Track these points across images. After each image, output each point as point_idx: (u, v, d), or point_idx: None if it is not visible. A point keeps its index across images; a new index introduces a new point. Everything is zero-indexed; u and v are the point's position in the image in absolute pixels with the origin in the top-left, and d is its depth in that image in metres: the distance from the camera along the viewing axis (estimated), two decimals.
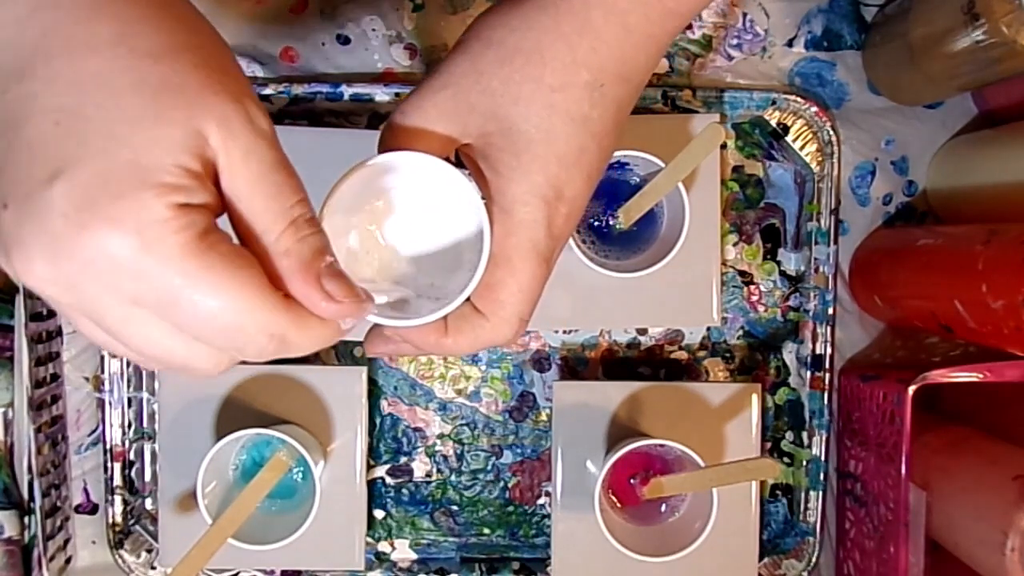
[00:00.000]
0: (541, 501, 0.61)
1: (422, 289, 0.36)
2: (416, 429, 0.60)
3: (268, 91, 0.56)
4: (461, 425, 0.61)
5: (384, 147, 0.34)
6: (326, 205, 0.33)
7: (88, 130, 0.24)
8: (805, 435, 0.60)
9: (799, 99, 0.57)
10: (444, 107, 0.33)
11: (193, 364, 0.28)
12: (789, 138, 0.59)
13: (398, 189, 0.36)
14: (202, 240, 0.25)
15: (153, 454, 0.60)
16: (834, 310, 0.59)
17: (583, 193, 0.34)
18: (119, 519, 0.59)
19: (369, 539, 0.60)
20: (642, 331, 0.61)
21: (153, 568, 0.60)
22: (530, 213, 0.33)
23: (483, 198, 0.34)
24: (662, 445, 0.53)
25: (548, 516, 0.60)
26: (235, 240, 0.27)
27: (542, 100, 0.33)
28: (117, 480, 0.59)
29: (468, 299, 0.34)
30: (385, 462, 0.61)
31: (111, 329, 0.27)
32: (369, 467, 0.59)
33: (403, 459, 0.61)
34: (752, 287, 0.60)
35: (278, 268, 0.27)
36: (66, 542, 0.59)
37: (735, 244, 0.60)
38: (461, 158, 0.36)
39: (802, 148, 0.59)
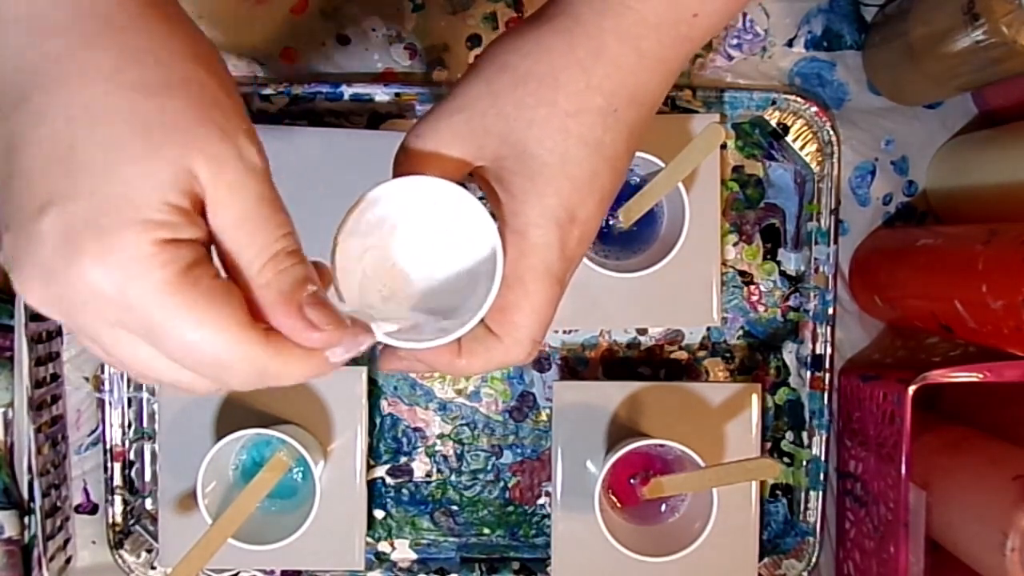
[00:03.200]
0: (541, 501, 0.61)
1: (436, 311, 0.36)
2: (416, 429, 0.60)
3: (268, 91, 0.56)
4: (461, 425, 0.61)
5: (399, 170, 0.35)
6: (341, 229, 0.33)
7: (78, 163, 0.25)
8: (805, 435, 0.60)
9: (799, 99, 0.57)
10: (458, 130, 0.34)
11: (186, 385, 0.29)
12: (789, 138, 0.59)
13: (412, 212, 0.36)
14: (185, 276, 0.26)
15: (153, 454, 0.60)
16: (834, 310, 0.59)
17: (596, 215, 0.34)
18: (119, 519, 0.59)
19: (369, 539, 0.60)
20: (642, 331, 0.60)
21: (153, 568, 0.60)
22: (543, 236, 0.33)
23: (496, 220, 0.34)
24: (662, 445, 0.53)
25: (548, 516, 0.60)
26: (223, 273, 0.28)
27: (556, 124, 0.33)
28: (117, 480, 0.59)
29: (481, 321, 0.34)
30: (385, 462, 0.61)
31: (106, 349, 0.28)
32: (369, 467, 0.59)
33: (403, 459, 0.61)
34: (752, 287, 0.61)
35: (260, 300, 0.28)
36: (66, 542, 0.59)
37: (735, 244, 0.60)
38: (475, 180, 0.35)
39: (802, 148, 0.59)
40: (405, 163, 0.34)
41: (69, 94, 0.25)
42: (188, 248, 0.26)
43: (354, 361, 0.58)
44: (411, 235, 0.36)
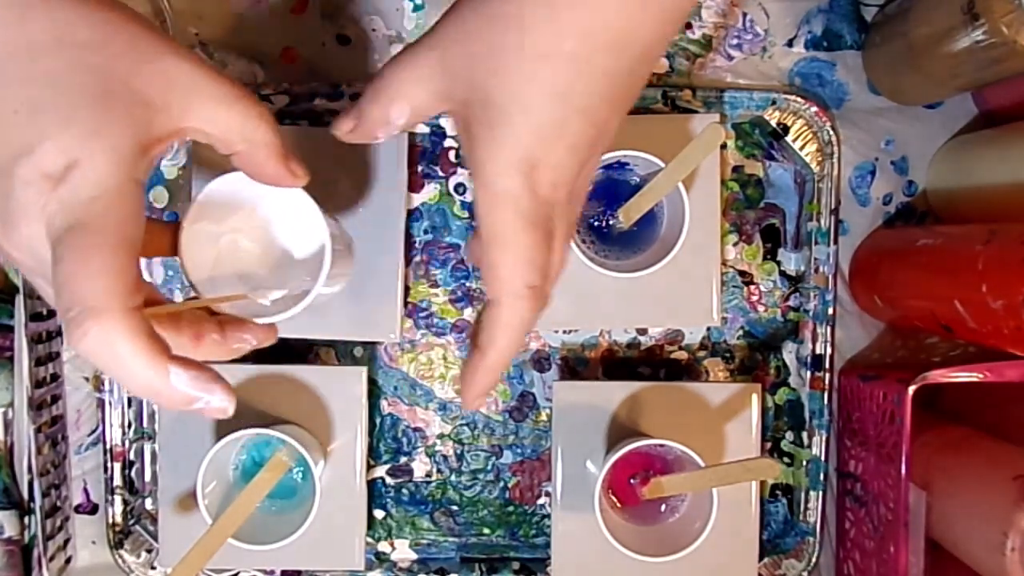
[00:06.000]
0: (541, 501, 0.61)
1: (288, 288, 0.41)
2: (416, 429, 0.60)
3: (268, 91, 0.56)
4: (461, 425, 0.60)
5: (371, 94, 0.35)
6: (185, 217, 0.38)
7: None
8: (805, 435, 0.60)
9: (799, 99, 0.57)
10: (432, 68, 0.33)
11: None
12: (789, 138, 0.59)
13: (259, 200, 0.41)
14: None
15: (153, 454, 0.60)
16: (834, 310, 0.59)
17: (567, 162, 0.32)
18: (119, 519, 0.59)
19: (369, 539, 0.60)
20: (642, 331, 0.60)
21: (153, 568, 0.60)
22: (507, 184, 0.32)
23: (468, 170, 0.37)
24: (662, 445, 0.53)
25: (548, 516, 0.60)
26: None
27: (520, 70, 0.31)
28: (117, 480, 0.59)
29: (484, 302, 0.35)
30: (385, 462, 0.61)
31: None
32: (369, 467, 0.59)
33: (403, 459, 0.61)
34: (752, 287, 0.60)
35: None
36: (66, 542, 0.59)
37: (735, 244, 0.60)
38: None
39: (802, 148, 0.59)
40: (380, 87, 0.34)
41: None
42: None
43: (354, 360, 0.59)
44: (259, 220, 0.42)
